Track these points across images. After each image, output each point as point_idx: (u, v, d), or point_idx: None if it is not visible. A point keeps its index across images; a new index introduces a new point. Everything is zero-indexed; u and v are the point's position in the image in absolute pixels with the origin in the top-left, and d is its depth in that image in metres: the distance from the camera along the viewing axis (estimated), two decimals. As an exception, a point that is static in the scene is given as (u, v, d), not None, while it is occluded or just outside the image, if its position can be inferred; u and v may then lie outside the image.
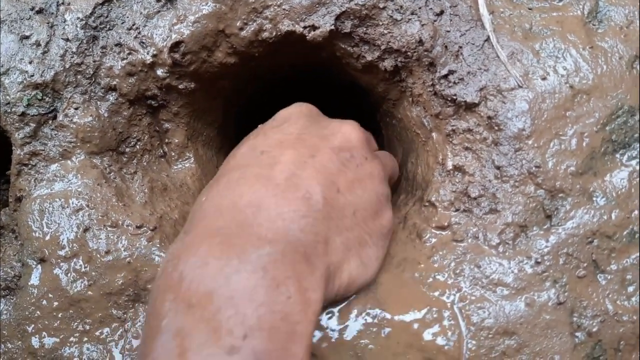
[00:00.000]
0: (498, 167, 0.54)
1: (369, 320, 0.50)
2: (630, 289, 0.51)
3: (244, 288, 0.36)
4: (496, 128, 0.54)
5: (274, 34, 0.60)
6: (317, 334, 0.50)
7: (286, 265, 0.38)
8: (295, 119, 0.50)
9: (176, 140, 0.66)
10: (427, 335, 0.49)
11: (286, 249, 0.39)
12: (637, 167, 0.53)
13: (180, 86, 0.62)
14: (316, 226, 0.42)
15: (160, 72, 0.60)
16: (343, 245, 0.45)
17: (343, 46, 0.61)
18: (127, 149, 0.63)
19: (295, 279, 0.38)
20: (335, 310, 0.50)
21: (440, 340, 0.49)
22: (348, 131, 0.50)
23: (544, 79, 0.54)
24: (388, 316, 0.50)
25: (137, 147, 0.63)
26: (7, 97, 0.60)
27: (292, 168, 0.44)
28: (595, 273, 0.52)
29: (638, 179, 0.53)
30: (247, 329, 0.34)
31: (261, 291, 0.36)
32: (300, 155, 0.45)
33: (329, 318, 0.50)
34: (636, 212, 0.52)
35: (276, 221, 0.40)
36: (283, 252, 0.39)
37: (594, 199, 0.53)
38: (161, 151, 0.66)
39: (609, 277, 0.51)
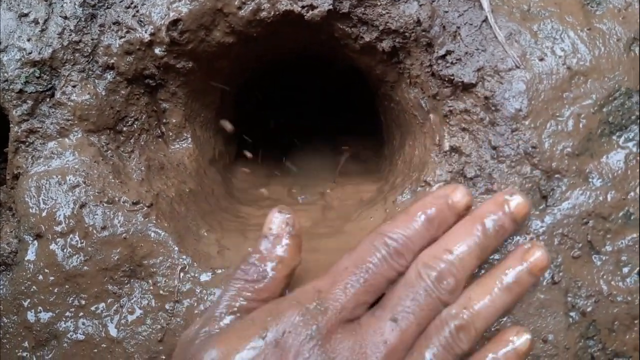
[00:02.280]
0: (494, 148, 0.54)
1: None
2: (625, 270, 0.51)
3: None
4: (493, 108, 0.54)
5: (272, 13, 0.60)
6: None
7: None
8: None
9: (174, 121, 0.66)
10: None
11: None
12: (634, 149, 0.53)
13: (178, 65, 0.62)
14: None
15: (158, 50, 0.60)
16: None
17: (341, 27, 0.61)
18: (125, 128, 0.63)
19: None
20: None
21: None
22: None
23: (541, 59, 0.54)
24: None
25: (135, 126, 0.63)
26: (5, 74, 0.60)
27: None
28: (590, 254, 0.52)
29: (634, 161, 0.53)
30: None
31: None
32: None
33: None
34: (632, 193, 0.52)
35: None
36: None
37: (590, 180, 0.53)
38: (159, 131, 0.66)
39: (604, 258, 0.51)
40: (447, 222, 0.44)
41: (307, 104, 1.09)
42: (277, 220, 0.46)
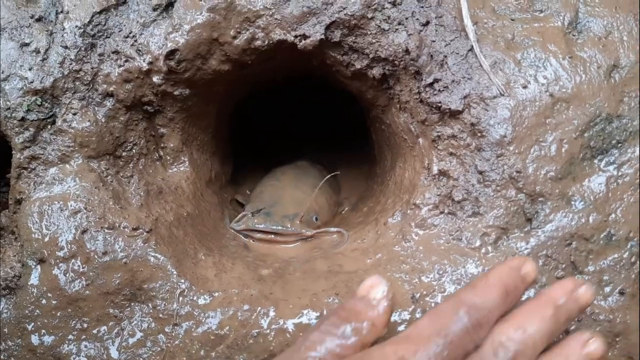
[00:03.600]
0: (481, 172, 0.56)
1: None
2: (607, 289, 0.53)
3: None
4: (479, 134, 0.56)
5: (266, 42, 0.61)
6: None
7: None
8: None
9: (171, 145, 0.68)
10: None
11: None
12: (615, 172, 0.55)
13: (176, 92, 0.64)
14: None
15: (156, 79, 0.62)
16: None
17: (333, 54, 0.63)
18: (124, 153, 0.65)
19: None
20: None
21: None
22: None
23: (525, 87, 0.56)
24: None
25: (134, 151, 0.65)
26: (8, 102, 0.61)
27: None
28: (573, 274, 0.54)
29: (615, 184, 0.55)
30: None
31: None
32: None
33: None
34: (613, 215, 0.54)
35: None
36: None
37: (573, 202, 0.55)
38: (157, 155, 0.68)
39: (586, 278, 0.53)
40: (519, 295, 0.44)
41: (297, 123, 1.10)
42: (379, 286, 0.43)
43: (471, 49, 0.58)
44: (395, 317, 0.52)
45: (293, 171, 0.88)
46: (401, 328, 0.51)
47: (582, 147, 0.55)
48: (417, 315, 0.52)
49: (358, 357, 0.39)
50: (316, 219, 0.74)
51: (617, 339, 0.52)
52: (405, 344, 0.39)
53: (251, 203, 0.76)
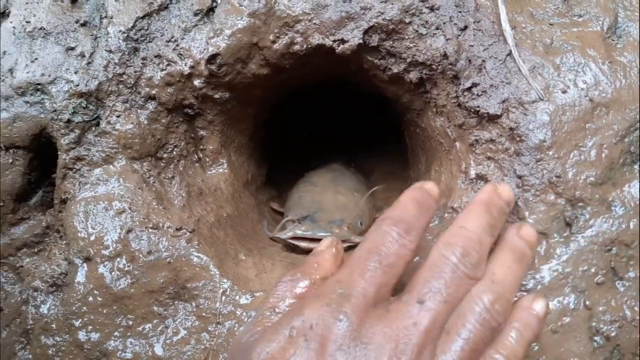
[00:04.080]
0: (520, 177, 0.56)
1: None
2: None
3: None
4: (518, 139, 0.56)
5: (305, 47, 0.63)
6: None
7: None
8: (331, 355, 0.38)
9: (210, 147, 0.70)
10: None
11: None
12: None
13: (216, 96, 0.65)
14: None
15: (197, 82, 0.63)
16: None
17: (370, 59, 0.64)
18: (165, 155, 0.66)
19: None
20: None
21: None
22: None
23: (564, 92, 0.56)
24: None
25: (174, 153, 0.67)
26: (54, 105, 0.63)
27: None
28: (613, 280, 0.53)
29: None
30: None
31: None
32: None
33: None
34: None
35: None
36: None
37: (613, 208, 0.54)
38: (196, 157, 0.70)
39: (627, 284, 0.53)
40: (430, 206, 0.46)
41: (329, 127, 1.11)
42: (325, 241, 0.49)
43: (510, 54, 0.58)
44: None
45: (329, 174, 0.88)
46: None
47: (622, 152, 0.55)
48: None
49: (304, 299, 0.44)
50: (361, 223, 0.73)
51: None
52: (341, 271, 0.43)
53: (292, 210, 0.76)
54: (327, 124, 1.11)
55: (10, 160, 0.66)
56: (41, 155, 0.68)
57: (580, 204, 0.55)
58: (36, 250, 0.68)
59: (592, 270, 0.53)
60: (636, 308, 0.52)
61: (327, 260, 0.47)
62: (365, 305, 0.40)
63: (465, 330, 0.40)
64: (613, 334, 0.52)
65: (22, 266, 0.67)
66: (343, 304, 0.39)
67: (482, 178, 0.59)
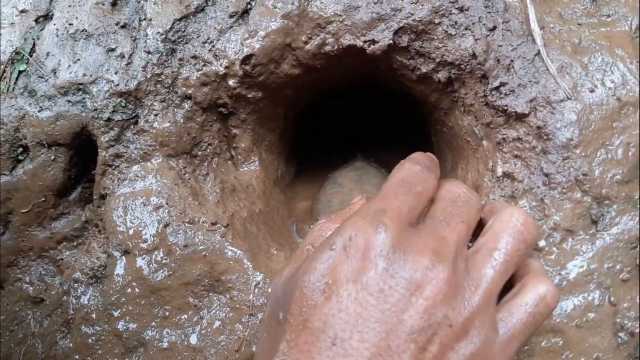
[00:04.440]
0: (546, 175, 0.57)
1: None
2: None
3: None
4: (545, 137, 0.57)
5: (336, 47, 0.64)
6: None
7: None
8: (372, 267, 0.41)
9: (243, 145, 0.72)
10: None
11: None
12: None
13: (249, 95, 0.67)
14: None
15: (231, 82, 0.65)
16: None
17: (400, 59, 0.65)
18: (199, 152, 0.68)
19: None
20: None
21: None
22: (433, 299, 0.40)
23: (592, 91, 0.57)
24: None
25: (208, 150, 0.69)
26: (95, 104, 0.66)
27: None
28: (638, 277, 0.54)
29: None
30: None
31: None
32: (376, 349, 0.39)
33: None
34: None
35: None
36: None
37: (639, 206, 0.55)
38: (229, 154, 0.72)
39: (652, 282, 0.53)
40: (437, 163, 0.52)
41: (359, 123, 1.12)
42: (357, 198, 0.53)
43: (538, 54, 0.59)
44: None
45: (352, 173, 0.89)
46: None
47: None
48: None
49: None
50: None
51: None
52: (375, 198, 0.47)
53: (322, 214, 0.77)
54: (357, 123, 1.13)
55: (52, 157, 0.69)
56: (81, 153, 0.71)
57: (607, 201, 0.55)
58: (75, 243, 0.70)
59: (617, 267, 0.54)
60: None
61: (360, 205, 0.50)
62: (400, 220, 0.43)
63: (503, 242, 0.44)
64: (637, 330, 0.52)
65: (62, 259, 0.70)
66: (380, 217, 0.42)
67: (508, 176, 0.60)
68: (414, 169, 0.48)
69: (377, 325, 0.39)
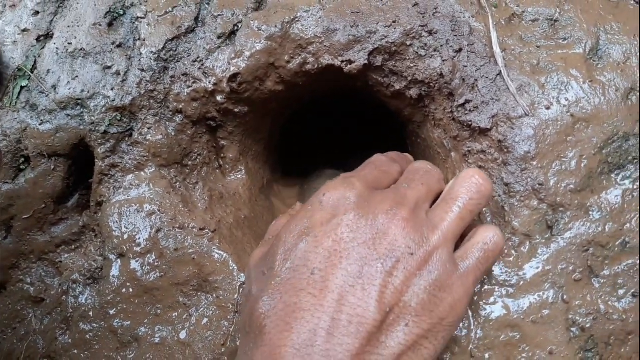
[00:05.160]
0: (507, 184, 0.61)
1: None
2: (621, 292, 0.57)
3: None
4: (505, 150, 0.61)
5: (316, 66, 0.68)
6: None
7: None
8: (343, 213, 0.48)
9: (230, 155, 0.76)
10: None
11: None
12: (630, 186, 0.59)
13: (236, 110, 0.71)
14: (370, 355, 0.42)
15: (219, 98, 0.69)
16: None
17: (375, 77, 0.69)
18: (190, 162, 0.72)
19: None
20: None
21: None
22: (393, 232, 0.47)
23: (548, 108, 0.61)
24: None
25: (198, 160, 0.73)
26: (92, 117, 0.70)
27: (343, 292, 0.43)
28: (590, 277, 0.57)
29: (631, 196, 0.59)
30: None
31: None
32: (349, 275, 0.44)
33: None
34: (628, 225, 0.58)
35: (332, 353, 0.41)
36: None
37: (591, 213, 0.59)
38: (217, 164, 0.76)
39: (602, 281, 0.57)
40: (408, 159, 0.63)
41: (341, 133, 1.16)
42: None
43: (499, 74, 0.63)
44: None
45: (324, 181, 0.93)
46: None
47: (600, 162, 0.59)
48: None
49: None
50: None
51: (630, 337, 0.56)
52: (347, 173, 0.55)
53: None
54: (339, 133, 1.16)
55: (52, 167, 0.73)
56: (79, 162, 0.75)
57: (561, 209, 0.59)
58: (73, 247, 0.74)
59: (571, 268, 0.57)
60: (609, 302, 0.56)
61: (298, 209, 0.59)
62: (366, 182, 0.52)
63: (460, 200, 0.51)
64: (588, 325, 0.55)
65: (61, 261, 0.73)
66: (349, 179, 0.51)
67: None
68: (382, 157, 0.58)
69: (349, 256, 0.45)
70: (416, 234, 0.47)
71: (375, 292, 0.44)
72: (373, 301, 0.43)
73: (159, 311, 0.65)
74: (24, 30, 0.76)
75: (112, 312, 0.65)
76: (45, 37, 0.75)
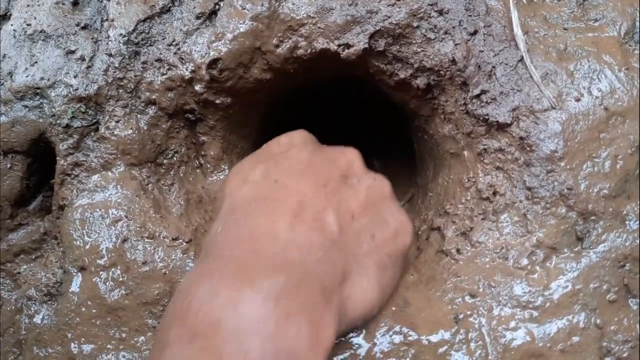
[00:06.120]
0: (529, 188, 0.54)
1: (398, 339, 0.51)
2: None
3: (252, 319, 0.35)
4: (528, 149, 0.55)
5: (309, 51, 0.61)
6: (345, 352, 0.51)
7: (300, 295, 0.37)
8: (301, 145, 0.52)
9: (212, 153, 0.69)
10: (454, 356, 0.50)
11: (302, 279, 0.38)
12: None
13: (217, 101, 0.64)
14: (333, 256, 0.42)
15: (198, 87, 0.62)
16: (361, 274, 0.45)
17: (376, 64, 0.63)
18: (165, 161, 0.65)
19: (308, 311, 0.37)
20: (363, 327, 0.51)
21: (467, 361, 0.50)
22: (351, 157, 0.52)
23: (577, 100, 0.55)
24: (416, 336, 0.51)
25: (175, 158, 0.66)
26: (53, 109, 0.63)
27: (307, 198, 0.45)
28: (626, 297, 0.52)
29: None
30: None
31: (270, 323, 0.35)
32: (313, 184, 0.46)
33: (356, 335, 0.51)
34: None
35: (292, 251, 0.40)
36: (298, 282, 0.38)
37: (627, 222, 0.53)
38: (197, 163, 0.69)
39: (640, 302, 0.51)
40: None
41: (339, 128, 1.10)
42: None
43: (521, 60, 0.57)
44: (437, 338, 0.51)
45: None
46: (442, 349, 0.50)
47: (638, 163, 0.53)
48: (460, 337, 0.51)
49: None
50: None
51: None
52: None
53: None
54: (336, 130, 1.10)
55: (9, 165, 0.66)
56: (40, 160, 0.68)
57: (593, 217, 0.53)
58: (34, 256, 0.67)
59: (604, 287, 0.52)
60: None
61: None
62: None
63: None
64: (625, 355, 0.50)
65: (19, 273, 0.67)
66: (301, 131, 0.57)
67: (490, 189, 0.57)
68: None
69: (311, 171, 0.48)
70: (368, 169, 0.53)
71: (343, 201, 0.47)
72: (340, 208, 0.46)
73: (123, 335, 0.57)
74: (-22, 11, 0.68)
75: (70, 335, 0.58)
76: (2, 17, 0.68)
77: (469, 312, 0.52)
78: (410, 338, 0.51)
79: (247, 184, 0.48)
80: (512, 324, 0.51)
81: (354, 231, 0.46)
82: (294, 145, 0.52)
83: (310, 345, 0.36)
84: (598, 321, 0.51)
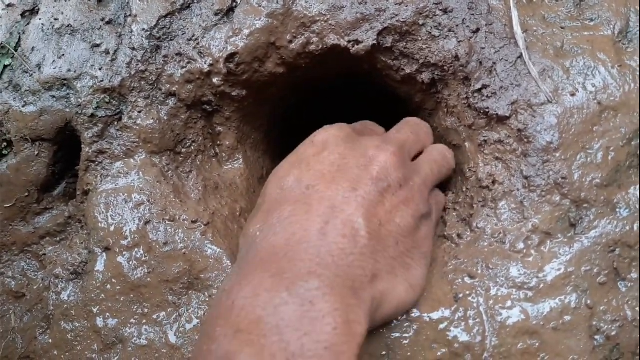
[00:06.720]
0: (526, 177, 0.57)
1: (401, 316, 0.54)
2: None
3: (291, 318, 0.38)
4: (525, 140, 0.57)
5: (320, 47, 0.64)
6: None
7: (334, 297, 0.40)
8: (334, 146, 0.53)
9: (227, 143, 0.72)
10: (454, 332, 0.53)
11: (334, 282, 0.42)
12: None
13: (233, 93, 0.67)
14: (363, 261, 0.45)
15: (215, 80, 0.65)
16: (390, 274, 0.48)
17: (384, 59, 0.65)
18: (183, 150, 0.68)
19: (342, 311, 0.40)
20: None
21: (465, 337, 0.53)
22: (384, 160, 0.52)
23: (573, 95, 0.57)
24: (418, 313, 0.54)
25: (192, 147, 0.69)
26: (79, 99, 0.66)
27: (337, 204, 0.47)
28: (616, 280, 0.54)
29: None
30: (290, 355, 0.37)
31: (306, 322, 0.38)
32: (343, 190, 0.48)
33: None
34: None
35: (325, 258, 0.43)
36: (331, 285, 0.41)
37: (617, 210, 0.55)
38: (213, 152, 0.72)
39: (629, 285, 0.54)
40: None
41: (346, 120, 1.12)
42: None
43: (520, 57, 0.59)
44: (437, 315, 0.54)
45: None
46: (442, 326, 0.53)
47: (629, 155, 0.56)
48: (459, 315, 0.54)
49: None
50: None
51: (659, 344, 0.53)
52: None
53: None
54: (344, 119, 1.12)
55: (36, 152, 0.69)
56: (65, 148, 0.71)
57: (585, 205, 0.55)
58: (58, 239, 0.70)
59: (595, 270, 0.54)
60: (637, 308, 0.53)
61: None
62: (352, 127, 0.59)
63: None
64: (613, 333, 0.52)
65: (44, 254, 0.70)
66: (339, 124, 0.57)
67: (489, 178, 0.60)
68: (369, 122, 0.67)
69: (343, 176, 0.49)
70: (404, 170, 0.53)
71: (372, 207, 0.48)
72: (369, 214, 0.47)
73: (146, 310, 0.61)
74: (8, 5, 0.72)
75: (95, 310, 0.61)
76: (31, 12, 0.71)
77: (468, 292, 0.55)
78: (412, 315, 0.53)
79: (282, 192, 0.51)
80: (508, 303, 0.54)
81: (381, 236, 0.48)
82: (327, 147, 0.53)
83: (346, 339, 0.39)
84: (589, 302, 0.53)
